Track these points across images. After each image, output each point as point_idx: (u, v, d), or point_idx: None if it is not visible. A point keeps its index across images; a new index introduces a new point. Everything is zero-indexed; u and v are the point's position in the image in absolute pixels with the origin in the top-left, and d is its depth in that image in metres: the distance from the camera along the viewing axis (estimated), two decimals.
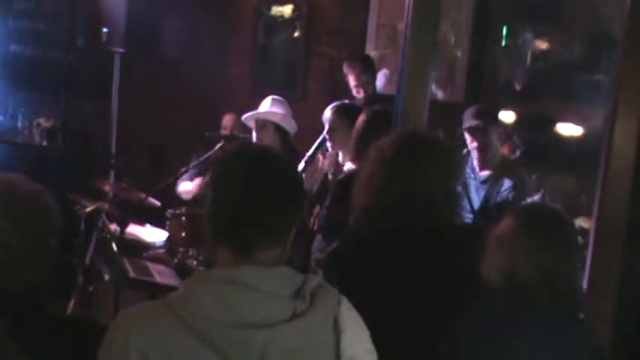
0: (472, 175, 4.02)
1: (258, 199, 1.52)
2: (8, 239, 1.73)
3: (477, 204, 3.95)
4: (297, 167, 1.61)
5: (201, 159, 4.69)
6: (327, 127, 3.98)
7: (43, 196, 1.83)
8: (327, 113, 4.01)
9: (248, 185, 1.52)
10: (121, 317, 1.54)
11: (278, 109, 4.65)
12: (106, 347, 1.50)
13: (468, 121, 4.07)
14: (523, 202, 3.60)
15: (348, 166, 3.73)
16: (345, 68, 5.09)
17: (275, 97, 4.73)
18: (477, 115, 4.03)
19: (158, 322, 1.47)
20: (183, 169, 4.67)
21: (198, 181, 5.11)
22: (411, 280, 2.23)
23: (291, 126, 4.67)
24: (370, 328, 1.62)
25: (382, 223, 2.29)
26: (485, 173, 3.99)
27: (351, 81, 5.05)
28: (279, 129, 4.61)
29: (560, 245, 2.00)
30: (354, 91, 5.05)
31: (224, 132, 5.08)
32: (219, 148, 4.82)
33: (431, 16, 2.50)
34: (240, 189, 1.52)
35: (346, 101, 4.50)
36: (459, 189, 2.35)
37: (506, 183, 3.88)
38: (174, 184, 5.00)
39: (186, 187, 5.10)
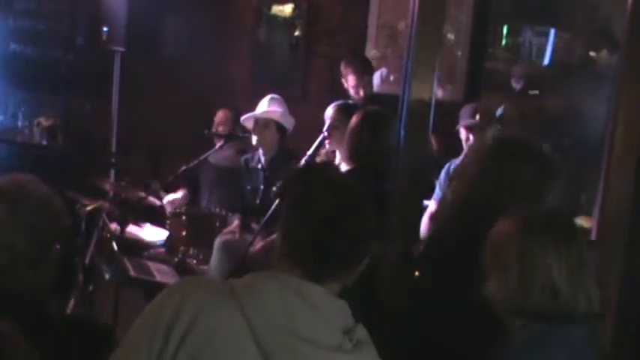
0: None
1: (341, 235, 1.56)
2: (14, 240, 1.74)
3: None
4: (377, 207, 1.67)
5: (201, 158, 4.70)
6: (327, 124, 3.95)
7: (53, 199, 1.83)
8: (330, 111, 3.98)
9: (334, 220, 1.56)
10: (188, 279, 1.60)
11: (278, 108, 4.65)
12: (164, 296, 1.55)
13: (465, 118, 4.06)
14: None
15: (344, 167, 3.71)
16: (344, 69, 5.04)
17: (273, 95, 4.73)
18: (475, 113, 4.02)
19: (217, 298, 1.52)
20: (183, 168, 4.67)
21: (183, 192, 5.10)
22: None
23: (290, 123, 4.68)
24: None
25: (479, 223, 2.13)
26: None
27: (351, 81, 5.01)
28: (280, 127, 4.61)
29: (578, 261, 1.82)
30: (352, 92, 5.01)
31: (218, 128, 5.08)
32: (220, 147, 4.83)
33: (436, 15, 2.50)
34: (325, 222, 1.56)
35: (350, 101, 4.50)
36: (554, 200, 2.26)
37: None
38: (175, 183, 5.01)
39: (174, 196, 5.08)
